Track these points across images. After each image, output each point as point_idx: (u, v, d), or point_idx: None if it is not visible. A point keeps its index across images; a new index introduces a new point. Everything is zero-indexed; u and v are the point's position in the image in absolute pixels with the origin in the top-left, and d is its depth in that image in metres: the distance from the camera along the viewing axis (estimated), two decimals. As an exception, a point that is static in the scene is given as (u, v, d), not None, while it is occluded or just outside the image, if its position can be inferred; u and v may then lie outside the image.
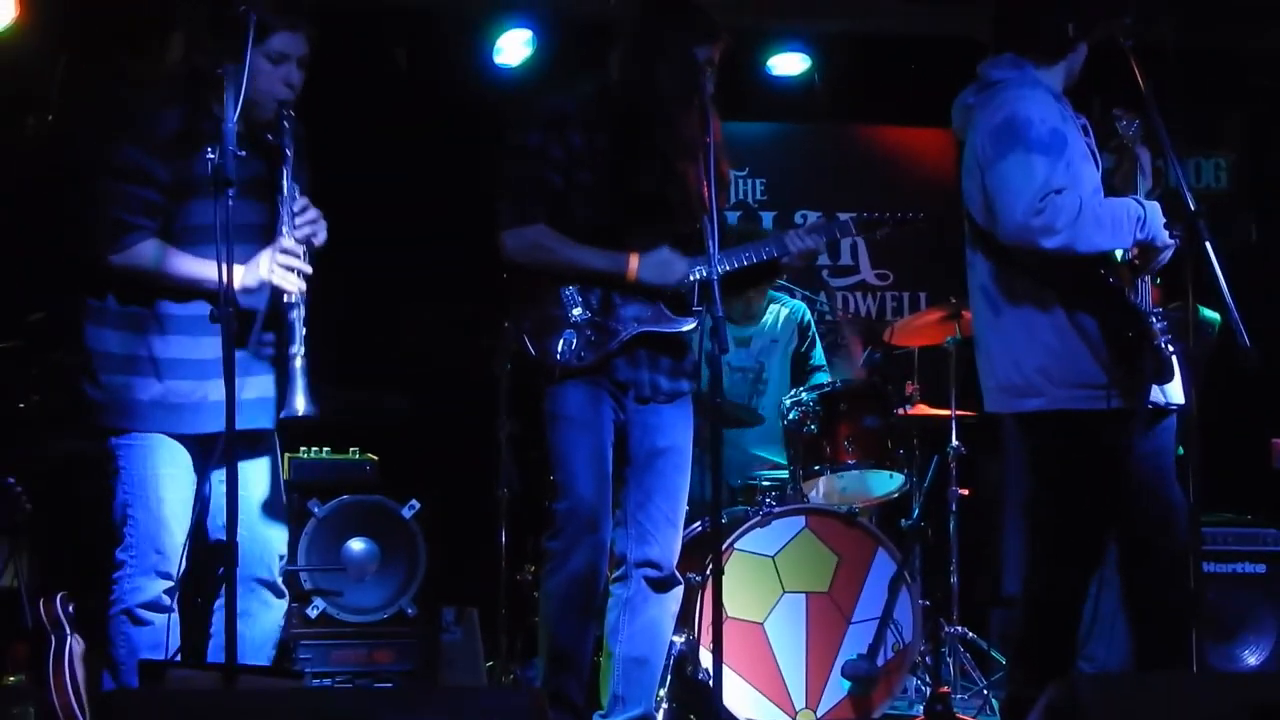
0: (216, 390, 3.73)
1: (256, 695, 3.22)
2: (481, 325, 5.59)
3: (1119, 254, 4.12)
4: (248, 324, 3.87)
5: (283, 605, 4.13)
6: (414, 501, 5.52)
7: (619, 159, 4.33)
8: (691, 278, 4.39)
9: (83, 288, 4.00)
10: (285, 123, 3.97)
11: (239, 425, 3.65)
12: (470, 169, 6.50)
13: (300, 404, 3.89)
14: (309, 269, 3.96)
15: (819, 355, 6.45)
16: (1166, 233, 4.07)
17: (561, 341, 4.33)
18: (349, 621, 5.39)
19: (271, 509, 4.10)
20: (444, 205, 6.59)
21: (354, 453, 5.68)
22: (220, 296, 3.51)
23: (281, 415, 3.96)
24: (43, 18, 5.91)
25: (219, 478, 3.88)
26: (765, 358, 6.28)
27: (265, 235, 3.96)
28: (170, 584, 3.94)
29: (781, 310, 6.38)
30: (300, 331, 3.92)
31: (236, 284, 3.77)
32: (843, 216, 4.72)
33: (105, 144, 3.98)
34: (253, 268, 3.91)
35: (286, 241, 3.93)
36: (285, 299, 3.94)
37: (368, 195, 6.35)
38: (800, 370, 6.31)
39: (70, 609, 4.20)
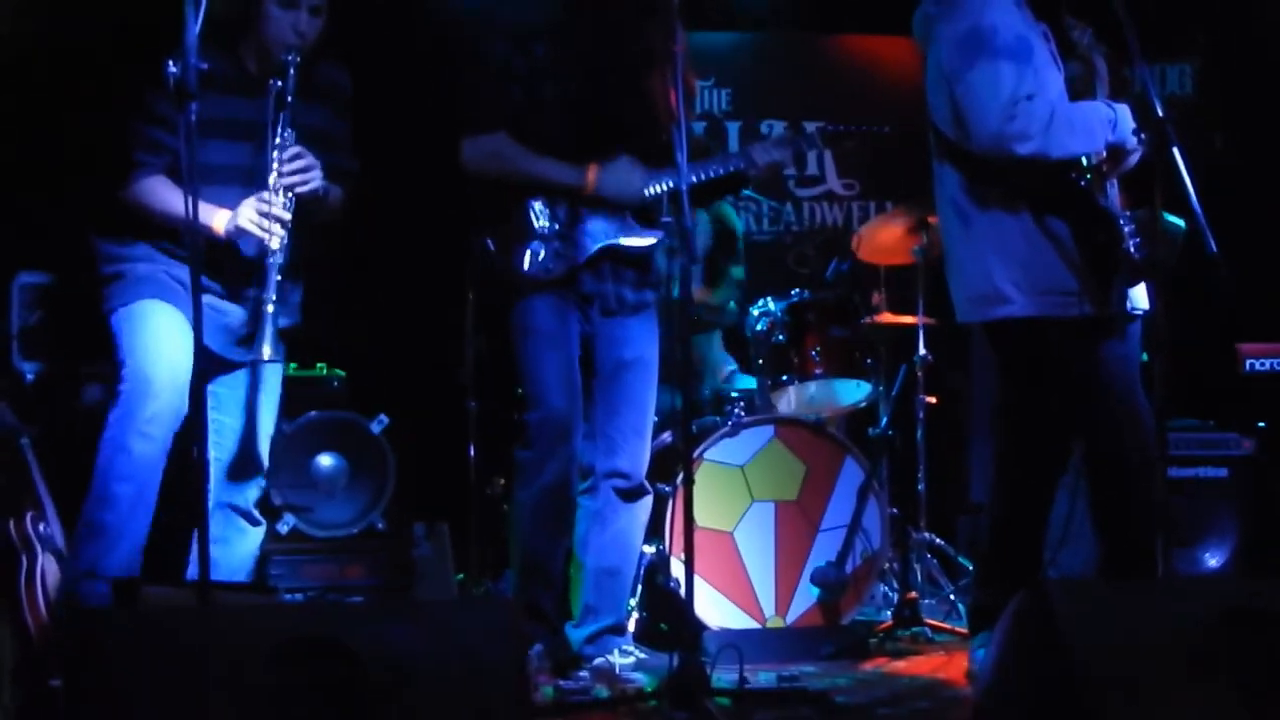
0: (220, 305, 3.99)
1: (230, 612, 3.22)
2: (450, 239, 5.56)
3: (1086, 159, 4.12)
4: (239, 264, 4.03)
5: (259, 533, 4.18)
6: (383, 416, 5.51)
7: (584, 72, 4.29)
8: (656, 189, 4.37)
9: (98, 223, 4.17)
10: (290, 69, 4.00)
11: (239, 357, 4.02)
12: (436, 84, 6.45)
13: (266, 350, 3.97)
14: (286, 216, 3.99)
15: (737, 269, 6.40)
16: (1135, 136, 4.07)
17: (528, 254, 4.31)
18: (319, 537, 5.39)
19: (255, 439, 4.17)
20: (412, 120, 6.53)
21: (322, 368, 5.66)
22: (186, 210, 3.48)
23: (249, 358, 4.08)
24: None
25: (212, 404, 3.94)
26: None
27: (249, 178, 4.03)
28: (153, 410, 3.99)
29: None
30: (274, 279, 3.99)
31: (220, 229, 3.96)
32: (809, 128, 4.71)
33: (140, 84, 4.04)
34: (234, 215, 3.99)
35: (267, 194, 3.99)
36: (261, 242, 4.00)
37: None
38: (716, 276, 6.28)
39: (41, 528, 4.18)
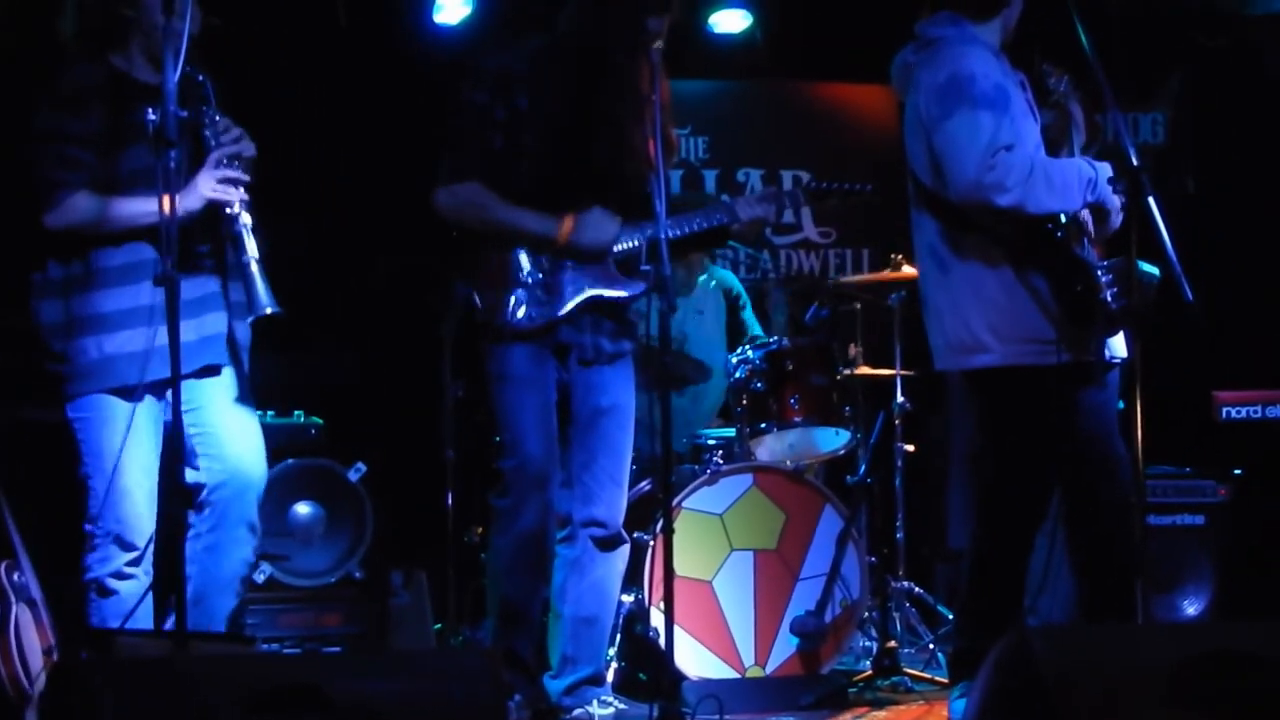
0: (160, 333, 3.75)
1: (207, 661, 3.20)
2: (427, 285, 5.56)
3: (1063, 215, 4.14)
4: (187, 240, 3.91)
5: (254, 542, 4.14)
6: (360, 464, 5.49)
7: (565, 122, 4.31)
8: (634, 243, 4.38)
9: (25, 259, 4.05)
10: (190, 67, 3.94)
11: (200, 363, 3.95)
12: (411, 128, 6.47)
13: (265, 302, 3.95)
14: (246, 178, 4.02)
15: (752, 321, 6.51)
16: (1118, 198, 4.08)
17: (511, 301, 4.31)
18: (296, 586, 5.37)
19: (245, 442, 4.14)
20: (387, 165, 6.54)
21: (299, 416, 5.64)
22: (161, 254, 3.48)
23: (250, 319, 4.02)
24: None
25: (190, 420, 3.96)
26: (688, 328, 6.30)
27: (176, 175, 3.95)
28: (134, 554, 3.98)
29: (709, 280, 6.43)
30: (250, 239, 3.98)
31: (180, 209, 3.79)
32: (790, 182, 4.76)
33: (33, 104, 4.01)
34: (192, 190, 3.96)
35: (218, 162, 3.99)
36: (229, 211, 3.99)
37: (308, 155, 6.30)
38: (736, 337, 6.36)
39: (15, 577, 4.14)
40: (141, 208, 3.89)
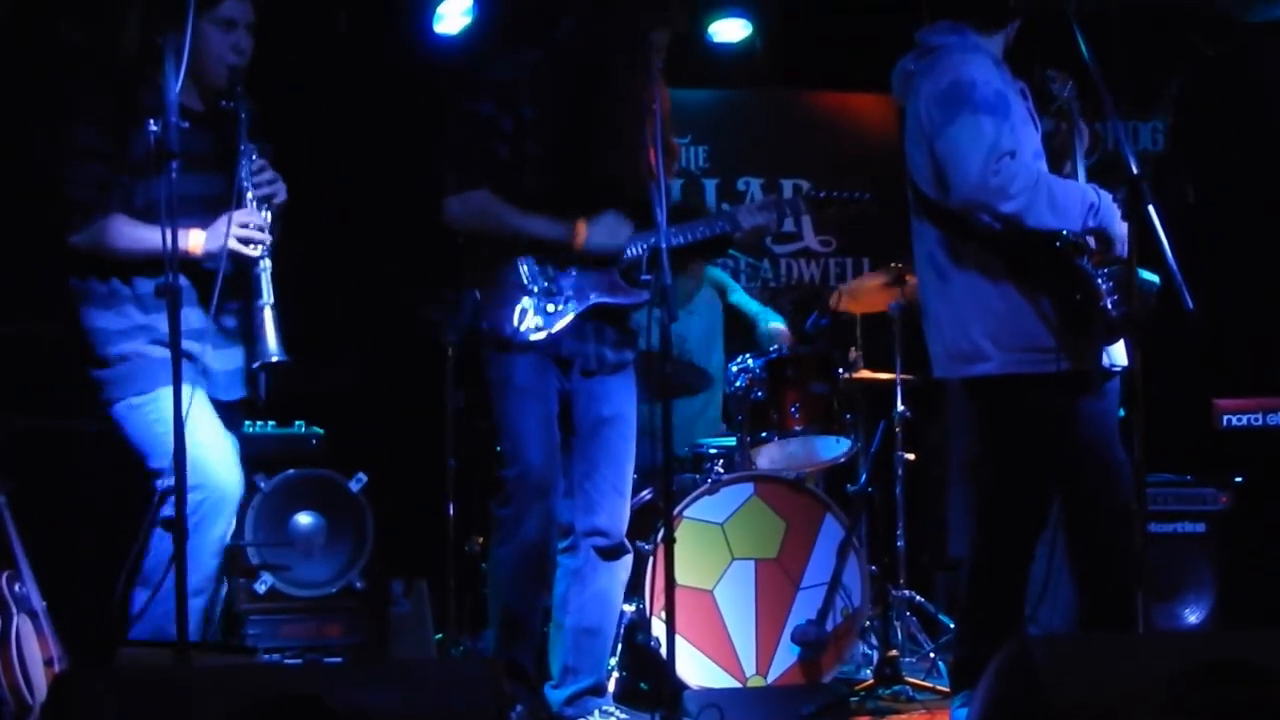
0: (206, 356, 3.97)
1: (208, 672, 3.20)
2: (427, 294, 5.56)
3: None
4: (208, 287, 3.96)
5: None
6: (361, 474, 5.49)
7: (569, 131, 4.31)
8: (637, 251, 4.39)
9: (65, 269, 4.11)
10: (237, 87, 4.05)
11: (215, 395, 4.05)
12: (413, 137, 6.47)
13: (273, 349, 4.00)
14: (267, 229, 4.04)
15: (745, 300, 6.50)
16: (1123, 224, 4.05)
17: (517, 312, 4.32)
18: (297, 596, 5.36)
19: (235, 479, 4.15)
20: (388, 174, 6.55)
21: (300, 426, 5.64)
22: (166, 267, 3.50)
23: (255, 365, 4.06)
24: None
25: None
26: (685, 329, 6.31)
27: (219, 206, 4.03)
28: (201, 496, 3.96)
29: (708, 294, 6.46)
30: (267, 285, 4.03)
31: (199, 250, 3.94)
32: (791, 190, 4.77)
33: (57, 124, 4.04)
34: (214, 233, 3.99)
35: (245, 208, 4.01)
36: (249, 257, 4.02)
37: (310, 165, 6.29)
38: (734, 324, 6.35)
39: (16, 588, 4.15)
40: (156, 242, 3.86)
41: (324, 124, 6.53)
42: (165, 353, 3.92)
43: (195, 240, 4.01)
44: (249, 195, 4.03)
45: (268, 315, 4.01)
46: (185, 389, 3.83)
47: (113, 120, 3.99)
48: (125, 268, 4.04)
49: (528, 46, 4.44)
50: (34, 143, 4.20)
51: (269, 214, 4.08)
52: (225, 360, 4.16)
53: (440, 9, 6.79)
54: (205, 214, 4.03)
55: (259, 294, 4.02)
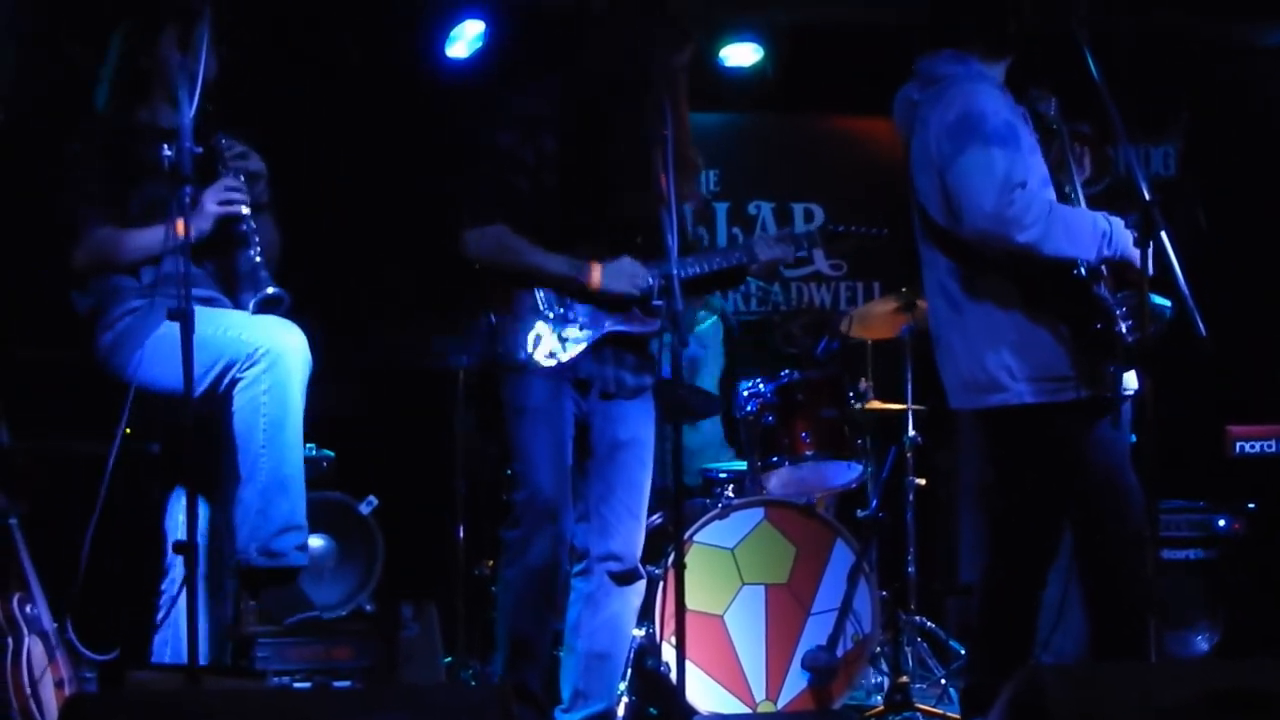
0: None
1: (218, 696, 3.20)
2: (440, 319, 5.57)
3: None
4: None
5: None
6: (371, 498, 5.49)
7: (589, 163, 4.32)
8: (654, 279, 4.39)
9: (68, 288, 4.21)
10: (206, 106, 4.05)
11: None
12: (425, 160, 6.49)
13: (268, 283, 4.06)
14: (244, 191, 4.14)
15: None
16: (1137, 249, 4.04)
17: (531, 338, 4.32)
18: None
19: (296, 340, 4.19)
20: (400, 198, 6.56)
21: (311, 448, 5.64)
22: (178, 293, 3.52)
23: (254, 301, 4.08)
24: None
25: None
26: (689, 366, 6.32)
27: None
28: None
29: (709, 325, 6.46)
30: (255, 237, 4.12)
31: (193, 232, 3.91)
32: (805, 223, 4.80)
33: (62, 139, 4.09)
34: (200, 212, 4.06)
35: (219, 182, 4.11)
36: (234, 214, 4.11)
37: (321, 188, 6.32)
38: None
39: (27, 609, 4.15)
40: (152, 238, 4.02)
41: (335, 146, 6.55)
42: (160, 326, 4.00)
43: (182, 228, 4.02)
44: (220, 170, 4.13)
45: (259, 261, 4.09)
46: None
47: (97, 146, 4.09)
48: (121, 270, 4.13)
49: (548, 75, 4.45)
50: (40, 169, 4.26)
51: (242, 178, 4.16)
52: None
53: (452, 33, 6.82)
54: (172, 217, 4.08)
55: (250, 246, 4.11)
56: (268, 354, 4.03)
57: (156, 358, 4.04)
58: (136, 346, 4.07)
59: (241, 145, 4.24)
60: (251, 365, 4.04)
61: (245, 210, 4.12)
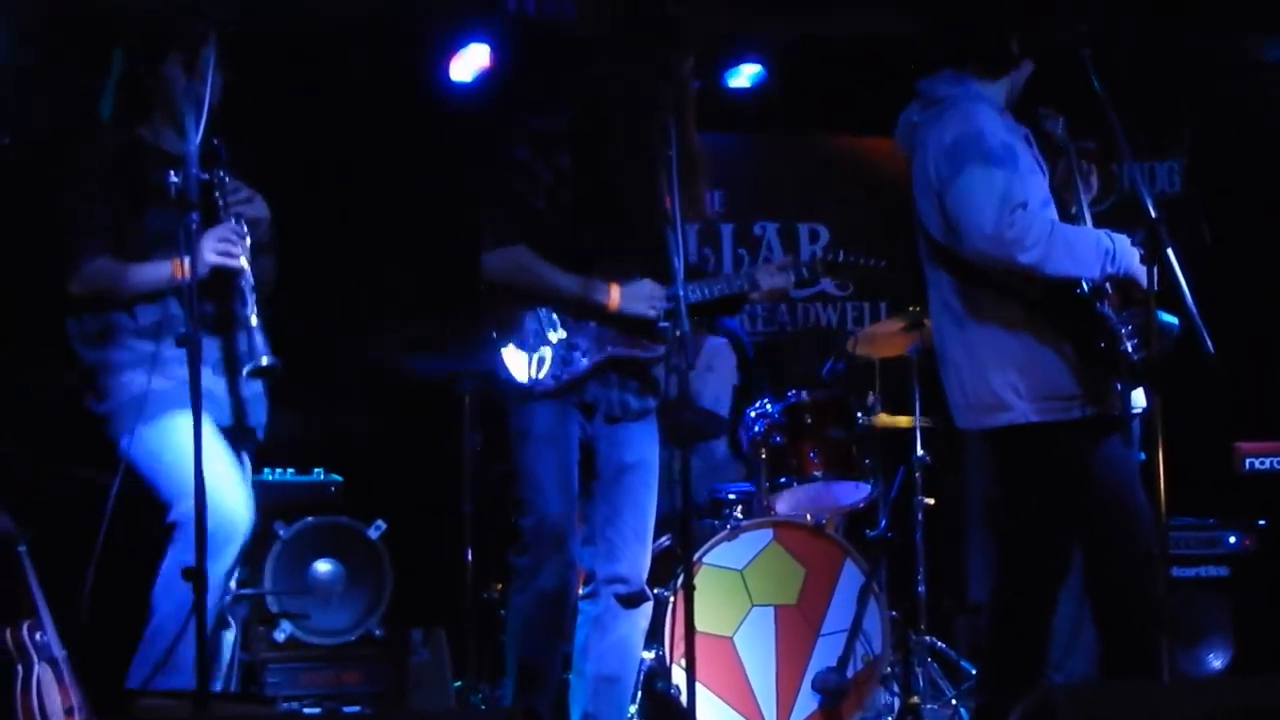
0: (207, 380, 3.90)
1: (228, 723, 3.19)
2: (444, 341, 5.57)
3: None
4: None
5: (229, 637, 4.12)
6: (380, 522, 5.49)
7: (603, 180, 4.33)
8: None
9: (64, 313, 4.16)
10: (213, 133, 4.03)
11: (221, 421, 4.05)
12: (429, 185, 6.50)
13: (263, 351, 4.00)
14: (245, 238, 4.07)
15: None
16: (1142, 266, 4.04)
17: (536, 360, 4.32)
18: (316, 644, 5.35)
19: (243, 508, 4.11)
20: (405, 221, 6.57)
21: (319, 473, 5.64)
22: (186, 322, 3.51)
23: (247, 369, 4.06)
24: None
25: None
26: (699, 383, 6.31)
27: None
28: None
29: (721, 346, 6.45)
30: (251, 295, 4.06)
31: (184, 273, 3.83)
32: (809, 254, 4.83)
33: (59, 168, 4.08)
34: (194, 257, 3.90)
35: (219, 227, 4.05)
36: (231, 267, 4.05)
37: (327, 211, 6.33)
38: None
39: (37, 636, 4.14)
40: (154, 274, 4.03)
41: (341, 168, 6.57)
42: (168, 383, 3.99)
43: (178, 267, 3.99)
44: (221, 215, 4.08)
45: (255, 324, 4.03)
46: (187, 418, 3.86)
47: (97, 169, 4.07)
48: (119, 304, 4.09)
49: (559, 93, 4.45)
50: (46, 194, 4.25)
51: (245, 226, 4.11)
52: (209, 386, 4.10)
53: (458, 56, 6.83)
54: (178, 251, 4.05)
55: (246, 304, 4.06)
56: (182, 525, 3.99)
57: (147, 452, 4.04)
58: (127, 430, 4.05)
59: (247, 189, 4.21)
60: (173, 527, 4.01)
61: (243, 263, 4.06)
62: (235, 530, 4.06)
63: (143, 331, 4.10)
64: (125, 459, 4.06)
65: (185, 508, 3.93)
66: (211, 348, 4.13)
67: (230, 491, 4.06)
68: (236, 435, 4.20)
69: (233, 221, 4.10)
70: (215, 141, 4.05)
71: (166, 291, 4.05)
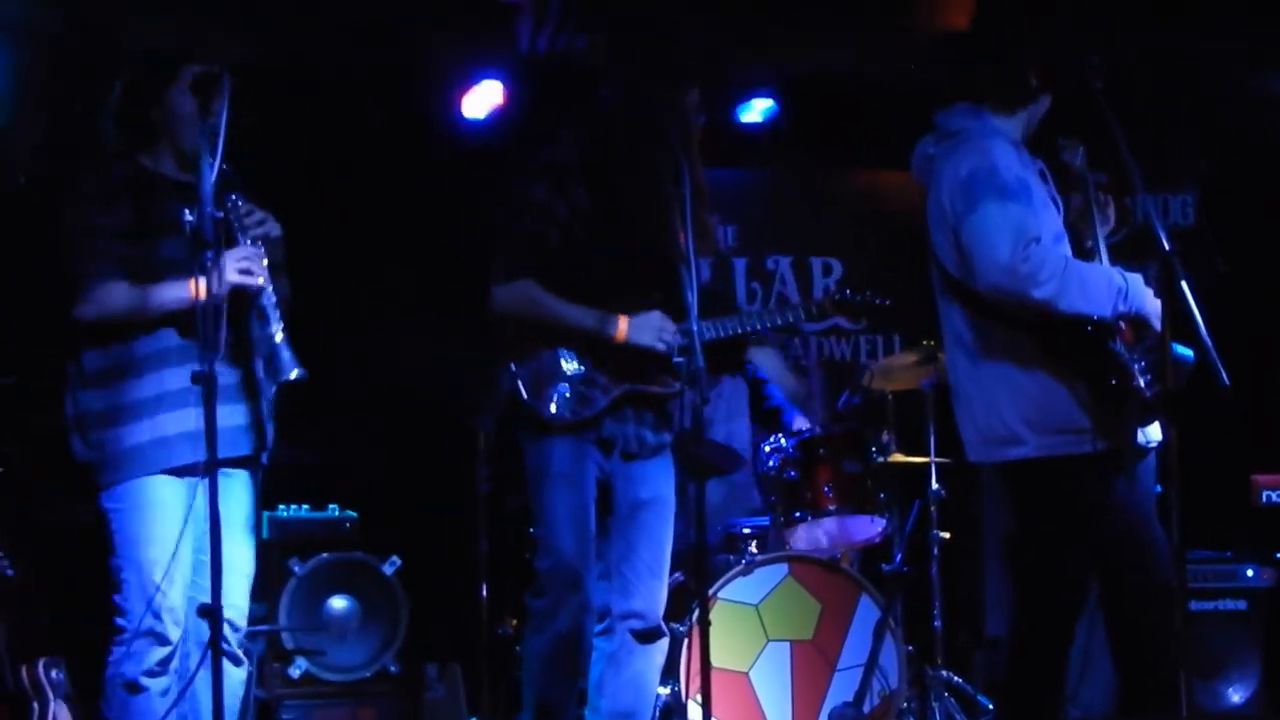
0: (197, 417, 3.74)
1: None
2: (457, 378, 5.58)
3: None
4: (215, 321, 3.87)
5: (241, 673, 4.09)
6: (394, 558, 5.49)
7: (617, 214, 4.34)
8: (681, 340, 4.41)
9: (62, 352, 4.04)
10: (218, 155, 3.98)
11: (240, 450, 3.96)
12: (446, 223, 6.52)
13: (291, 365, 3.94)
14: (264, 259, 4.02)
15: (776, 394, 6.51)
16: (1155, 301, 4.02)
17: (555, 395, 4.33)
18: (332, 681, 5.35)
19: (239, 567, 4.04)
20: (418, 260, 6.59)
21: (333, 509, 5.65)
22: (200, 358, 3.51)
23: (276, 383, 4.00)
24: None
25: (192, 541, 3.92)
26: (717, 417, 6.31)
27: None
28: (168, 649, 3.91)
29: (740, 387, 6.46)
30: (274, 312, 4.00)
31: (204, 295, 3.79)
32: (820, 291, 4.89)
33: (63, 201, 4.05)
34: (218, 278, 3.87)
35: (240, 250, 3.99)
36: (253, 287, 4.00)
37: (342, 251, 6.35)
38: (772, 418, 6.35)
39: (54, 674, 4.15)
40: (170, 294, 3.92)
41: (355, 206, 6.59)
42: (157, 432, 3.91)
43: (199, 285, 3.85)
44: (238, 236, 4.02)
45: (281, 339, 3.97)
46: (179, 489, 3.85)
47: (98, 194, 4.00)
48: (120, 334, 3.98)
49: (571, 128, 4.47)
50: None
51: (261, 246, 4.06)
52: (227, 416, 3.97)
53: (471, 93, 6.86)
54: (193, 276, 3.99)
55: (269, 322, 4.00)
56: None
57: (127, 537, 3.94)
58: (112, 484, 3.96)
59: (260, 211, 4.15)
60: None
61: (264, 282, 4.01)
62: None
63: (143, 366, 3.98)
64: (107, 517, 3.96)
65: (139, 625, 3.86)
66: (223, 375, 3.97)
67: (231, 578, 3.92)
68: (247, 463, 4.11)
69: (250, 244, 4.05)
70: (225, 166, 4.02)
71: (167, 321, 3.95)
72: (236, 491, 4.06)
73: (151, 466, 3.93)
